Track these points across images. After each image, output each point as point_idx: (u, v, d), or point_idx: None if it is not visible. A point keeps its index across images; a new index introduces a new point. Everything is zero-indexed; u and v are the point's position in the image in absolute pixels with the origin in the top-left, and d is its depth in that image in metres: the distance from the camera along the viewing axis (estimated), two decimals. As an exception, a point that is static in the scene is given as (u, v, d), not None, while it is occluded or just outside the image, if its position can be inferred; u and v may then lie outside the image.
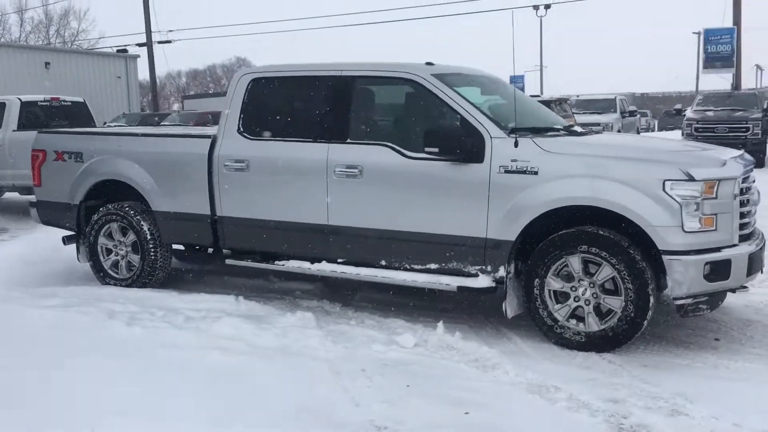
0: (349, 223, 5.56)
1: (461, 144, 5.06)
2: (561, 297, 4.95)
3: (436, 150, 5.07)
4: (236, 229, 6.05)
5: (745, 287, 4.92)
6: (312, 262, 5.79)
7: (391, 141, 5.43)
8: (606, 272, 4.76)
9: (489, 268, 5.14)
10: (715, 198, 4.64)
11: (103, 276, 6.74)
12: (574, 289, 4.89)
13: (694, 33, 62.26)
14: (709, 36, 22.47)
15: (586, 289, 4.85)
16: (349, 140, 5.56)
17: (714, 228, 4.64)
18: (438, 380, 4.36)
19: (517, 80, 48.44)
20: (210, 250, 6.46)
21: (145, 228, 6.45)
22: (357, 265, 5.63)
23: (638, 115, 26.82)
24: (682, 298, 4.67)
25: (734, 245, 4.74)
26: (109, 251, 6.72)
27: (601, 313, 4.85)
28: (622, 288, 4.70)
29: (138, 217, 6.47)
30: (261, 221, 5.90)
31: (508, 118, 5.31)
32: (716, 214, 4.65)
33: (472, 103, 5.26)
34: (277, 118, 5.96)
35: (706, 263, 4.59)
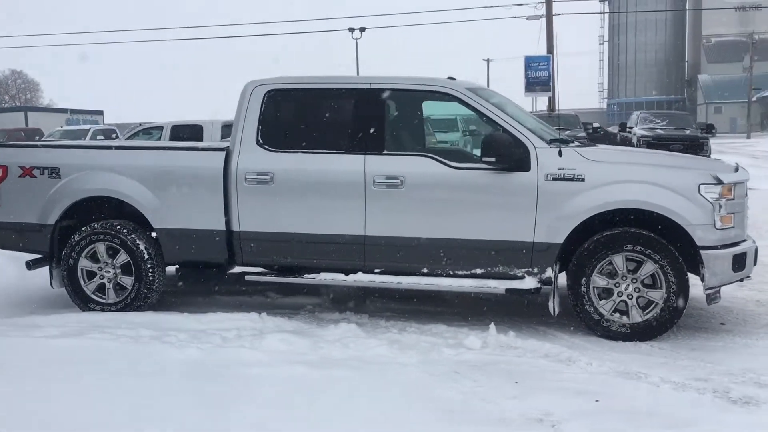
0: (389, 233, 5.64)
1: (512, 154, 5.37)
2: (604, 293, 5.41)
3: (493, 159, 5.33)
4: (257, 244, 5.88)
5: (750, 276, 5.67)
6: (346, 274, 5.79)
7: (431, 152, 5.62)
8: (648, 268, 5.28)
9: (535, 270, 5.48)
10: (733, 199, 5.34)
11: (84, 302, 6.19)
12: (617, 285, 5.36)
13: (483, 60, 67.58)
14: (529, 62, 24.60)
15: (628, 285, 5.34)
16: (386, 152, 5.66)
17: (733, 225, 5.34)
18: (537, 376, 4.61)
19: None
20: (210, 268, 6.19)
21: (142, 247, 6.05)
22: (396, 274, 5.72)
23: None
24: (713, 288, 5.32)
25: (745, 240, 5.48)
26: (91, 274, 6.20)
27: (640, 306, 5.36)
28: (663, 281, 5.25)
29: (132, 236, 6.05)
30: (287, 235, 5.80)
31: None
32: (734, 213, 5.35)
33: (511, 116, 5.60)
34: (303, 130, 5.90)
35: (733, 256, 5.28)
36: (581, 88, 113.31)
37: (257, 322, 5.77)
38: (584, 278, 5.37)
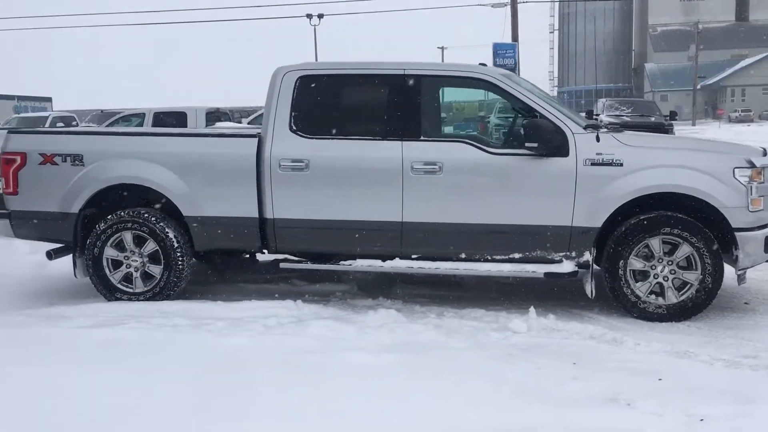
0: (427, 219, 5.67)
1: (553, 139, 5.44)
2: (639, 275, 5.54)
3: (535, 145, 5.39)
4: (292, 231, 5.84)
5: None
6: (383, 260, 5.79)
7: (468, 137, 5.65)
8: (684, 250, 5.42)
9: (573, 254, 5.58)
10: (763, 182, 5.51)
11: (110, 291, 6.08)
12: (653, 267, 5.49)
13: (438, 48, 67.89)
14: (497, 50, 24.80)
15: (664, 267, 5.48)
16: (423, 138, 5.68)
17: (762, 207, 5.51)
18: (591, 357, 4.70)
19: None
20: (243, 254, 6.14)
21: (171, 235, 5.95)
22: (433, 260, 5.75)
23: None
24: (744, 269, 5.49)
25: None
26: (117, 263, 6.08)
27: (676, 288, 5.51)
28: (699, 263, 5.39)
29: (161, 224, 5.95)
30: (323, 222, 5.78)
31: None
32: (763, 196, 5.52)
33: (546, 102, 5.67)
34: (337, 116, 5.88)
35: (765, 237, 5.45)
36: (533, 76, 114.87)
37: (293, 310, 5.74)
38: (622, 261, 5.49)
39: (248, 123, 14.71)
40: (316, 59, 51.28)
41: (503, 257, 5.67)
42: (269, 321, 5.46)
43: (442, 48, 67.90)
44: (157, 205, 6.04)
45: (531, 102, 5.61)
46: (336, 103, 5.97)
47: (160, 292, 6.01)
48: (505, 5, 27.83)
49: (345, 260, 5.87)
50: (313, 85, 5.88)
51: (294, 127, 5.81)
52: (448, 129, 5.99)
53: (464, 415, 3.80)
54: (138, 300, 6.01)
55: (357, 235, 5.78)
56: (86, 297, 6.28)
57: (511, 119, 6.08)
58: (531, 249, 5.62)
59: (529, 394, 4.08)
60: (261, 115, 15.88)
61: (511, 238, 5.61)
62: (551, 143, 5.43)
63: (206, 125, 12.40)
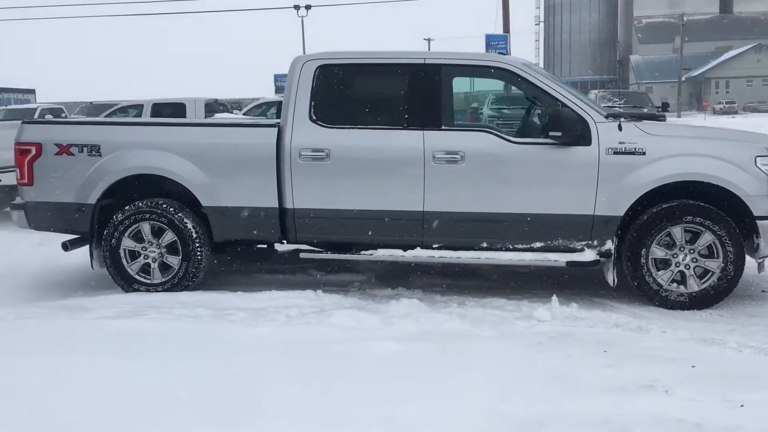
0: (448, 208, 5.66)
1: (576, 128, 5.44)
2: (661, 264, 5.56)
3: (560, 134, 5.40)
4: (312, 221, 5.82)
5: None
6: (404, 250, 5.79)
7: (489, 127, 5.65)
8: (706, 238, 5.45)
9: (595, 243, 5.59)
10: None
11: (128, 282, 6.03)
12: (675, 255, 5.52)
13: (425, 39, 67.81)
14: (490, 41, 24.80)
15: (686, 255, 5.51)
16: (444, 127, 5.67)
17: None
18: (620, 345, 4.70)
19: (282, 79, 48.87)
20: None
21: (189, 226, 5.91)
22: (454, 249, 5.75)
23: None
24: (765, 257, 5.53)
25: None
26: (133, 254, 6.03)
27: (697, 276, 5.54)
28: (721, 251, 5.43)
29: (180, 215, 5.91)
30: (344, 211, 5.76)
31: None
32: None
33: (569, 91, 5.67)
34: (357, 105, 5.86)
35: None
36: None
37: (314, 300, 5.73)
38: (644, 249, 5.51)
39: (243, 115, 14.68)
40: (304, 52, 51.18)
41: (524, 246, 5.68)
42: (291, 311, 5.44)
43: (429, 39, 67.77)
44: (174, 195, 5.99)
45: (553, 91, 5.61)
46: (356, 92, 5.95)
47: (178, 282, 5.98)
48: (497, -4, 27.79)
49: (366, 250, 5.85)
50: (332, 75, 5.85)
51: (314, 117, 5.78)
52: (472, 118, 5.96)
53: (499, 403, 3.78)
54: (156, 291, 5.98)
55: (377, 225, 5.76)
56: (101, 288, 6.24)
57: (504, 110, 6.08)
58: (552, 238, 5.63)
59: (564, 382, 4.07)
60: (257, 106, 15.81)
61: (532, 227, 5.62)
62: (574, 132, 5.44)
63: (205, 116, 12.29)
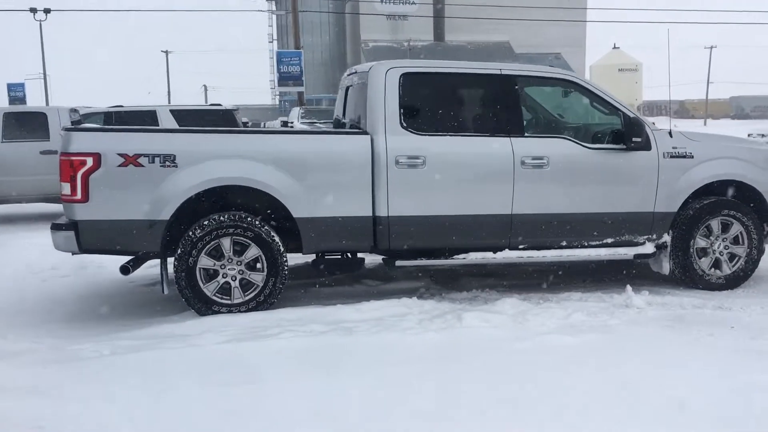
0: (534, 210, 5.99)
1: (645, 135, 6.10)
2: (700, 252, 6.42)
3: (640, 140, 6.00)
4: (407, 228, 5.79)
5: None
6: (494, 252, 6.01)
7: (566, 134, 6.11)
8: (736, 228, 6.41)
9: (654, 236, 6.29)
10: None
11: (207, 305, 5.50)
12: (712, 244, 6.41)
13: (162, 51, 65.35)
14: (282, 57, 24.88)
15: (720, 243, 6.43)
16: (526, 134, 6.01)
17: None
18: (730, 321, 5.39)
19: (16, 88, 44.08)
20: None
21: (277, 239, 5.57)
22: (538, 249, 6.10)
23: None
24: (778, 242, 6.66)
25: None
26: (209, 274, 5.53)
27: (728, 260, 6.49)
28: (746, 239, 6.42)
29: (267, 228, 5.54)
30: (438, 218, 5.82)
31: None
32: None
33: (621, 102, 6.32)
34: (445, 113, 5.93)
35: None
36: (256, 84, 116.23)
37: (414, 307, 5.70)
38: (691, 240, 6.32)
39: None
40: (43, 58, 46.79)
41: (598, 243, 6.20)
42: (408, 319, 5.40)
43: (167, 52, 65.51)
44: (249, 208, 5.61)
45: (614, 102, 6.21)
46: (440, 100, 6.02)
47: (264, 300, 5.59)
48: (288, 13, 27.98)
49: (458, 254, 5.97)
50: (416, 83, 5.89)
51: (404, 124, 5.78)
52: (548, 126, 6.36)
53: (695, 380, 4.16)
54: (239, 311, 5.53)
55: (469, 229, 5.92)
56: (168, 313, 5.63)
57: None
58: (622, 234, 6.22)
59: (741, 352, 4.65)
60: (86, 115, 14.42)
61: (606, 225, 6.16)
62: (645, 138, 6.09)
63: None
